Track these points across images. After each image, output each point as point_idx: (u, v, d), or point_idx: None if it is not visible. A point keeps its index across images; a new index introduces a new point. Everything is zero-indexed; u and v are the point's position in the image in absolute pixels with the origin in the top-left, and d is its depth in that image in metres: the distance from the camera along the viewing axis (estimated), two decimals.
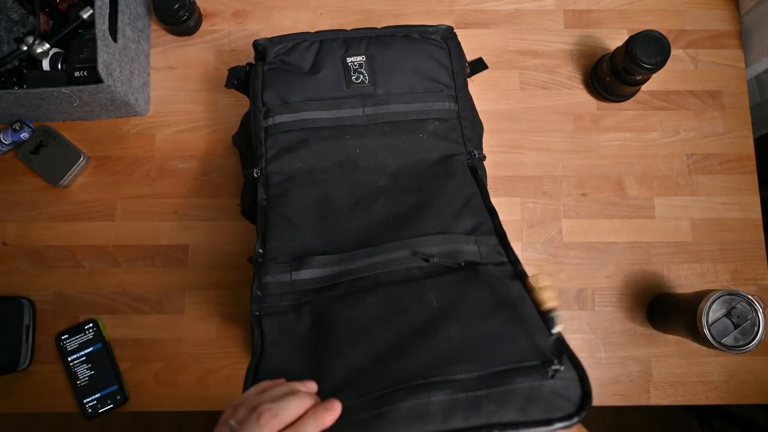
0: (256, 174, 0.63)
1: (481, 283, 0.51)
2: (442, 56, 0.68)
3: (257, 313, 0.53)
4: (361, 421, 0.40)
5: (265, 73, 0.67)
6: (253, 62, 0.69)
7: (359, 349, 0.47)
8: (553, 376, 0.41)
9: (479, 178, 0.64)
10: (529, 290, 0.49)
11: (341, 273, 0.54)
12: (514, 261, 0.54)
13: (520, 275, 0.53)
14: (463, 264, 0.53)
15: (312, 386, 0.43)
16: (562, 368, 0.41)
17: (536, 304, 0.47)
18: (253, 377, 0.47)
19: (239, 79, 0.70)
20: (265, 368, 0.48)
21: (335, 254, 0.56)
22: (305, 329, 0.51)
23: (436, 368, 0.43)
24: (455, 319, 0.47)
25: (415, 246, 0.54)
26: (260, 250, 0.58)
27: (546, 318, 0.46)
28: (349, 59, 0.67)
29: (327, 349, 0.48)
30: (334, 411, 0.40)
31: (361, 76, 0.66)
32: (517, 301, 0.49)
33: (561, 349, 0.43)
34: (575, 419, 0.40)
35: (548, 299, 0.45)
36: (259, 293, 0.54)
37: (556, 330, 0.44)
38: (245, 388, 0.46)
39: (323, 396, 0.43)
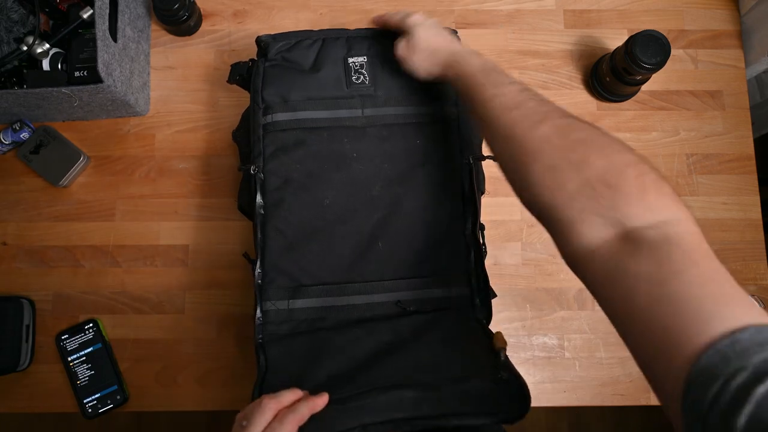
0: (253, 171, 0.63)
1: (447, 321, 0.61)
2: None
3: (260, 341, 0.60)
4: (347, 409, 0.48)
5: (266, 69, 0.67)
6: (255, 58, 0.69)
7: (343, 362, 0.56)
8: (499, 383, 0.50)
9: (467, 196, 0.65)
10: (491, 338, 0.57)
11: (331, 307, 0.62)
12: (476, 307, 0.63)
13: (481, 322, 0.62)
14: (433, 312, 0.62)
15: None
16: (506, 376, 0.51)
17: (492, 347, 0.56)
18: (259, 391, 0.55)
19: (241, 74, 0.70)
20: (268, 384, 0.56)
21: (328, 285, 0.63)
22: (302, 349, 0.59)
23: (406, 375, 0.53)
24: (424, 343, 0.57)
25: (396, 290, 0.63)
26: (259, 270, 0.62)
27: (495, 352, 0.54)
28: (350, 59, 0.67)
29: (317, 363, 0.56)
30: (323, 398, 0.48)
31: (362, 76, 0.66)
32: (473, 332, 0.59)
33: (507, 365, 0.53)
34: (516, 416, 0.50)
35: (500, 342, 0.55)
36: (260, 320, 0.61)
37: (502, 357, 0.54)
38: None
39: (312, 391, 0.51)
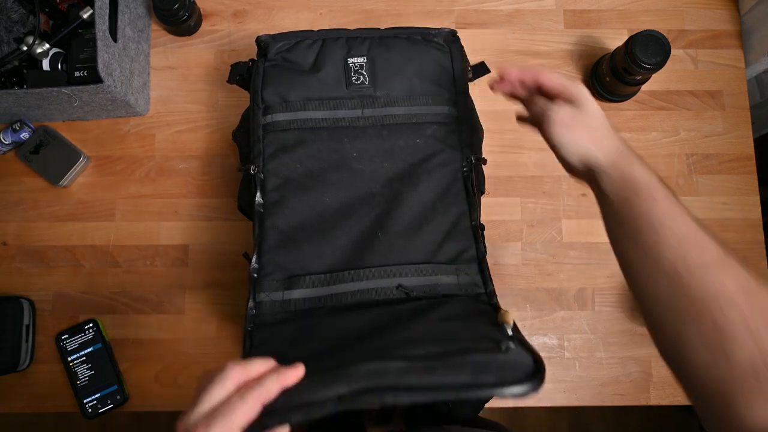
0: (253, 171, 0.63)
1: (452, 303, 0.57)
2: (443, 60, 0.68)
3: (249, 329, 0.58)
4: (322, 380, 0.42)
5: (266, 69, 0.67)
6: (255, 58, 0.69)
7: (332, 338, 0.53)
8: (505, 351, 0.43)
9: (470, 192, 0.64)
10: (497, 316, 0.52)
11: (329, 296, 0.59)
12: (489, 293, 0.60)
13: (493, 305, 0.58)
14: (440, 297, 0.59)
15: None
16: (514, 346, 0.43)
17: (496, 322, 0.51)
18: None
19: (241, 74, 0.70)
20: None
21: (325, 274, 0.60)
22: (291, 332, 0.56)
23: (397, 347, 0.46)
24: (423, 320, 0.53)
25: (398, 276, 0.59)
26: (255, 265, 0.61)
27: (499, 326, 0.49)
28: (350, 60, 0.67)
29: (305, 341, 0.54)
30: (297, 370, 0.41)
31: (362, 77, 0.66)
32: (483, 313, 0.55)
33: (515, 338, 0.46)
34: (528, 384, 0.40)
35: (506, 318, 0.49)
36: (253, 312, 0.59)
37: (508, 331, 0.47)
38: None
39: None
